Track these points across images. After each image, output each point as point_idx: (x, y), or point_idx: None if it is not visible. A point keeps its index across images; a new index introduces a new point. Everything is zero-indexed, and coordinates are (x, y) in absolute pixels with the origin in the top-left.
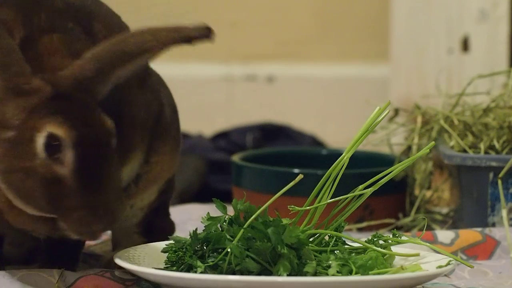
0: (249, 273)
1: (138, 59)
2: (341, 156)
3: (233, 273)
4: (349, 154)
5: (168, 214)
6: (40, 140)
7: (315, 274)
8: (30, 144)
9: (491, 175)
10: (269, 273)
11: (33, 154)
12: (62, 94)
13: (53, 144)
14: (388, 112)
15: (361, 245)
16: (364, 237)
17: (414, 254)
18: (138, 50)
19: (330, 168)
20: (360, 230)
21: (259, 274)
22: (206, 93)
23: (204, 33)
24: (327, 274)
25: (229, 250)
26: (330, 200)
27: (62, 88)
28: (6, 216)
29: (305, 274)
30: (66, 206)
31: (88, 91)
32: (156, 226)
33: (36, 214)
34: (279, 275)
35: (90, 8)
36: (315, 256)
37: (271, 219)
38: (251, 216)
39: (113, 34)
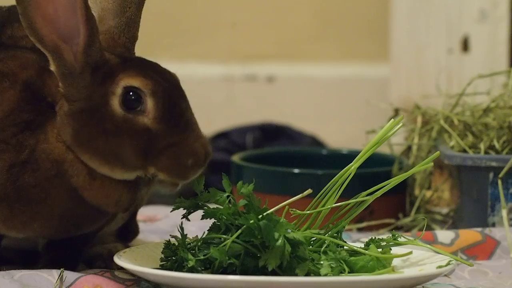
0: (245, 269)
1: None
2: (348, 166)
3: (225, 267)
4: (357, 165)
5: (136, 215)
6: (116, 99)
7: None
8: (106, 107)
9: (491, 175)
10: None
11: (112, 114)
12: (126, 59)
13: (131, 98)
14: (402, 126)
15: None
16: (364, 237)
17: (407, 253)
18: None
19: (336, 177)
20: (360, 230)
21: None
22: (206, 93)
23: None
24: (319, 274)
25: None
26: (332, 206)
27: (125, 54)
28: (85, 194)
29: (296, 274)
30: (155, 150)
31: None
32: (128, 229)
33: (122, 177)
34: (267, 267)
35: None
36: (312, 258)
37: (265, 210)
38: (251, 208)
39: None
